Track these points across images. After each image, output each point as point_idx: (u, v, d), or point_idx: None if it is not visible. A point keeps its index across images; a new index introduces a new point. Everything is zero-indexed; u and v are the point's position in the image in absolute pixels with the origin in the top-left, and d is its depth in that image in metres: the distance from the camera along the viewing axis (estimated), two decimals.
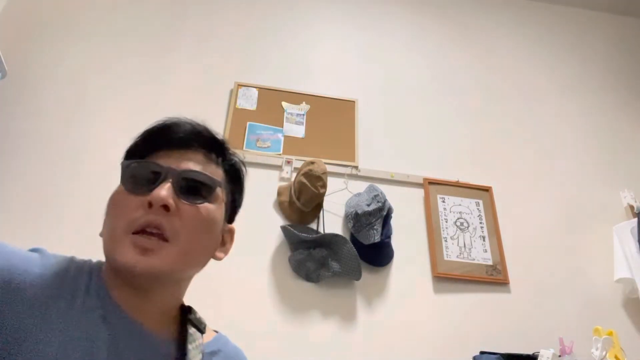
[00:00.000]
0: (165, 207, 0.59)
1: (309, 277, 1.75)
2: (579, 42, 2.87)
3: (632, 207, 2.18)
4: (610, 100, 2.65)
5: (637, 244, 1.96)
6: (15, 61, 1.89)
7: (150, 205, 0.59)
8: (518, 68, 2.64)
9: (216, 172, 0.68)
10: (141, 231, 0.58)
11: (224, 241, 0.71)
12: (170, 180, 0.61)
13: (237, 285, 1.69)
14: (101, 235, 0.63)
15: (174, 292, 0.67)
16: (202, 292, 1.62)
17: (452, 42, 2.65)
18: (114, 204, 0.62)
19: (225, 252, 0.71)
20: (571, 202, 2.22)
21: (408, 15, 2.69)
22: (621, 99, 2.67)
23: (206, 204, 0.64)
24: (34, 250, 0.60)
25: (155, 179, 0.61)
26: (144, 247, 0.57)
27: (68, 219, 1.70)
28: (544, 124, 2.46)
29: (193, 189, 0.63)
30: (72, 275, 0.59)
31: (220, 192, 0.67)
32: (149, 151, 0.65)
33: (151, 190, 0.60)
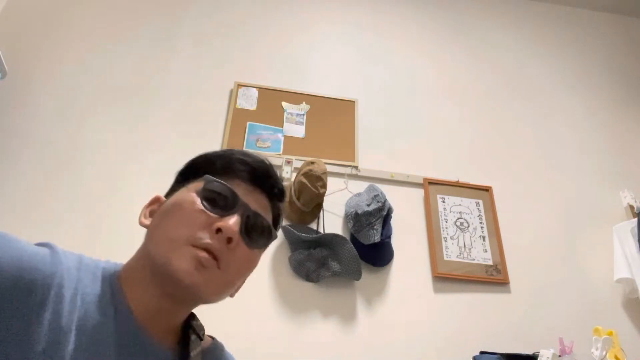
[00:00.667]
0: (229, 240, 0.60)
1: (309, 277, 1.75)
2: (579, 42, 2.87)
3: (632, 207, 2.18)
4: (611, 101, 2.65)
5: (637, 244, 1.96)
6: (15, 61, 1.89)
7: (218, 231, 0.59)
8: (518, 68, 2.64)
9: (270, 220, 0.70)
10: (202, 248, 0.59)
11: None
12: (241, 214, 0.62)
13: None
14: (144, 225, 0.65)
15: (191, 310, 0.69)
16: None
17: (452, 41, 2.65)
18: (180, 210, 0.62)
19: (238, 290, 0.72)
20: (571, 202, 2.22)
21: (408, 15, 2.69)
22: (621, 99, 2.67)
23: (257, 251, 0.66)
24: (42, 244, 0.59)
25: (230, 207, 0.62)
26: (202, 264, 0.58)
27: (68, 219, 1.70)
28: (544, 124, 2.46)
29: (255, 233, 0.65)
30: (84, 277, 0.58)
31: (272, 240, 0.69)
32: (227, 174, 0.66)
33: (223, 216, 0.61)
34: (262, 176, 0.68)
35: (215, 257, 0.59)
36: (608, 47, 2.89)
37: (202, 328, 0.71)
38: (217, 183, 0.64)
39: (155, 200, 0.70)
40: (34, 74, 1.97)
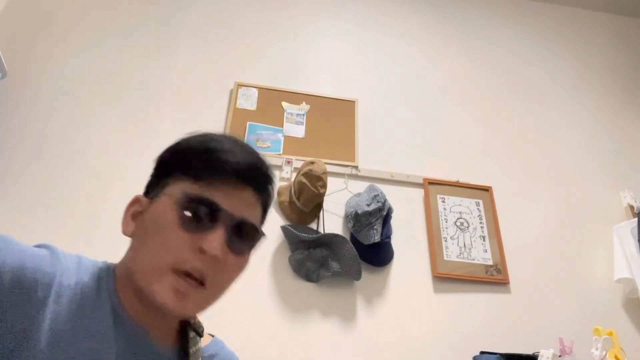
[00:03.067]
0: (214, 257, 0.58)
1: (309, 277, 1.75)
2: (579, 42, 2.87)
3: (632, 207, 2.18)
4: (611, 100, 2.65)
5: (637, 244, 1.96)
6: (15, 61, 1.89)
7: (201, 251, 0.58)
8: (519, 68, 2.64)
9: (258, 214, 0.66)
10: (184, 273, 0.58)
11: None
12: (225, 226, 0.60)
13: (237, 285, 1.68)
14: (126, 234, 0.63)
15: None
16: None
17: (452, 41, 2.65)
18: (160, 229, 0.59)
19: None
20: (571, 202, 2.22)
21: (408, 14, 2.69)
22: (621, 99, 2.67)
23: (246, 255, 0.64)
24: (42, 246, 0.59)
25: (212, 220, 0.59)
26: (182, 292, 0.57)
27: (68, 219, 1.70)
28: (544, 124, 2.46)
29: (242, 239, 0.62)
30: (83, 277, 0.58)
31: (261, 239, 0.67)
32: (201, 176, 0.61)
33: (205, 233, 0.58)
34: (250, 173, 0.63)
35: (200, 278, 0.58)
36: (608, 47, 2.89)
37: (200, 325, 0.71)
38: (194, 196, 0.59)
39: (135, 201, 0.66)
40: (34, 74, 1.97)
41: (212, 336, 0.76)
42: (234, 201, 0.61)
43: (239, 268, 0.64)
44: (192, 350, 0.66)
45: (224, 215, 0.60)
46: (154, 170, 0.67)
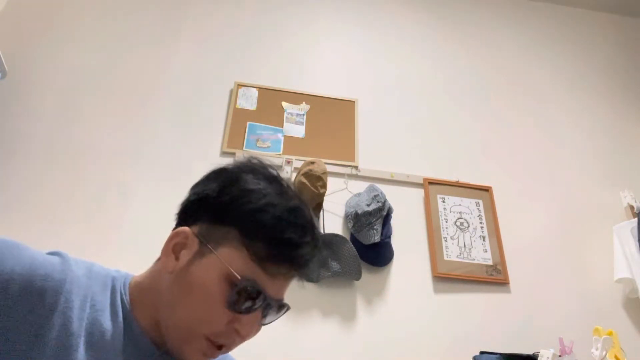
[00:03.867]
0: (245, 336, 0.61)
1: (309, 277, 1.75)
2: (579, 42, 2.87)
3: (632, 207, 2.18)
4: (611, 100, 2.65)
5: (637, 243, 1.96)
6: (15, 61, 1.89)
7: (237, 333, 0.59)
8: (518, 68, 2.64)
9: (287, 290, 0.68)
10: (215, 344, 0.60)
11: None
12: (263, 308, 0.60)
13: None
14: (170, 271, 0.60)
15: None
16: None
17: (452, 41, 2.65)
18: (208, 298, 0.58)
19: None
20: (571, 202, 2.22)
21: (408, 14, 2.69)
22: (621, 99, 2.67)
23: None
24: (54, 253, 0.60)
25: (256, 303, 0.59)
26: (209, 356, 0.60)
27: (68, 219, 1.70)
28: (544, 123, 2.46)
29: (272, 317, 0.64)
30: (95, 286, 0.59)
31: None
32: (267, 262, 0.59)
33: (245, 313, 0.59)
34: (307, 264, 0.62)
35: (226, 347, 0.61)
36: (608, 47, 2.89)
37: None
38: (251, 286, 0.58)
39: (179, 234, 0.62)
40: (34, 74, 1.97)
41: None
42: (279, 285, 0.62)
43: (257, 331, 0.64)
44: None
45: (268, 303, 0.61)
46: (208, 199, 0.62)
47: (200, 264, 0.59)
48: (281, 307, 0.63)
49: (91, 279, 0.59)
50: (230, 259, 0.58)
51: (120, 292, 0.61)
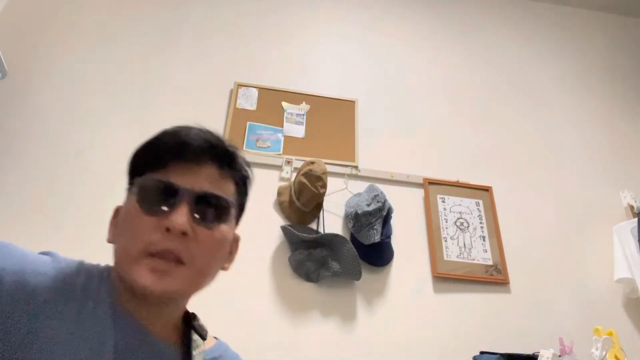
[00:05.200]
0: (184, 234, 0.59)
1: (309, 277, 1.75)
2: (580, 42, 2.87)
3: (632, 207, 2.18)
4: (611, 100, 2.65)
5: (637, 243, 1.96)
6: (15, 61, 1.89)
7: (168, 230, 0.58)
8: (518, 68, 2.64)
9: (229, 188, 0.67)
10: (158, 254, 0.58)
11: (231, 251, 0.71)
12: (187, 202, 0.60)
13: (237, 285, 1.68)
14: (110, 242, 0.64)
15: (183, 304, 0.69)
16: (201, 292, 1.62)
17: (452, 41, 2.65)
18: (129, 221, 0.61)
19: (231, 262, 0.71)
20: (571, 202, 2.22)
21: (408, 14, 2.69)
22: (621, 99, 2.67)
23: (221, 226, 0.64)
24: (45, 253, 0.61)
25: (172, 200, 0.60)
26: (160, 270, 0.58)
27: (68, 219, 1.70)
28: (544, 123, 2.46)
29: (209, 211, 0.63)
30: (83, 280, 0.60)
31: (233, 210, 0.67)
32: (161, 163, 0.63)
33: (168, 212, 0.59)
34: (200, 149, 0.64)
35: (176, 256, 0.58)
36: (608, 47, 2.89)
37: (204, 329, 0.72)
38: (147, 182, 0.62)
39: (116, 213, 0.68)
40: (34, 74, 1.97)
41: (216, 339, 0.77)
42: (193, 178, 0.62)
43: (217, 241, 0.63)
44: (195, 352, 0.67)
45: (183, 193, 0.60)
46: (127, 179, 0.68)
47: (122, 210, 0.65)
48: (206, 196, 0.62)
49: (80, 275, 0.60)
50: (136, 185, 0.63)
51: (105, 282, 0.62)
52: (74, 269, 0.60)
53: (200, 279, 0.63)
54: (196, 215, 0.61)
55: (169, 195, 0.60)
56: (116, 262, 0.61)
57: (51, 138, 1.85)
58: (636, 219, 2.03)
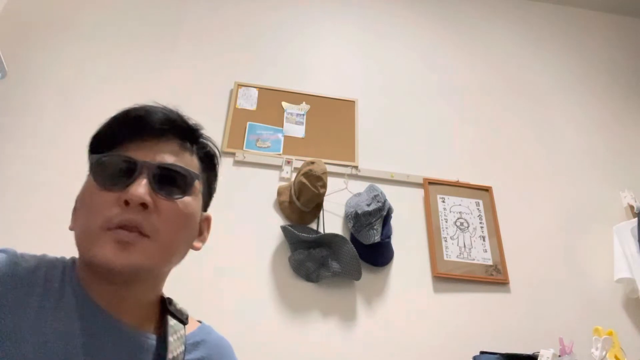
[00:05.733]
0: (143, 205, 0.57)
1: (308, 277, 1.75)
2: (579, 42, 2.87)
3: (632, 207, 2.18)
4: (611, 100, 2.65)
5: (637, 243, 1.96)
6: (15, 61, 1.89)
7: (127, 203, 0.56)
8: (518, 68, 2.64)
9: (192, 162, 0.65)
10: (118, 227, 0.56)
11: (201, 230, 0.69)
12: (146, 174, 0.59)
13: (237, 285, 1.68)
14: (71, 229, 0.62)
15: (153, 285, 0.65)
16: (201, 292, 1.62)
17: (452, 41, 2.65)
18: (87, 200, 0.60)
19: (203, 242, 0.70)
20: (571, 202, 2.22)
21: (408, 15, 2.69)
22: (621, 99, 2.67)
23: (184, 198, 0.62)
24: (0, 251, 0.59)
25: (130, 173, 0.58)
26: (123, 241, 0.55)
27: (67, 218, 1.69)
28: (544, 123, 2.46)
29: (170, 183, 0.61)
30: (44, 273, 0.58)
31: (197, 183, 0.65)
32: (119, 141, 0.62)
33: (127, 186, 0.57)
34: (160, 123, 0.63)
35: (137, 229, 0.56)
36: (608, 47, 2.89)
37: (183, 313, 0.69)
38: (103, 159, 0.60)
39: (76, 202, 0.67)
40: (34, 74, 1.97)
41: (200, 322, 0.74)
42: (151, 152, 0.61)
43: (181, 214, 0.61)
44: (172, 338, 0.64)
45: (142, 165, 0.59)
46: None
47: (79, 194, 0.64)
48: (165, 167, 0.60)
49: (40, 269, 0.58)
50: (89, 166, 0.62)
51: (70, 271, 0.60)
52: (34, 263, 0.58)
53: (166, 254, 0.60)
54: (156, 187, 0.59)
55: (127, 169, 0.59)
56: (78, 246, 0.59)
57: (51, 138, 1.85)
58: (636, 219, 2.03)
